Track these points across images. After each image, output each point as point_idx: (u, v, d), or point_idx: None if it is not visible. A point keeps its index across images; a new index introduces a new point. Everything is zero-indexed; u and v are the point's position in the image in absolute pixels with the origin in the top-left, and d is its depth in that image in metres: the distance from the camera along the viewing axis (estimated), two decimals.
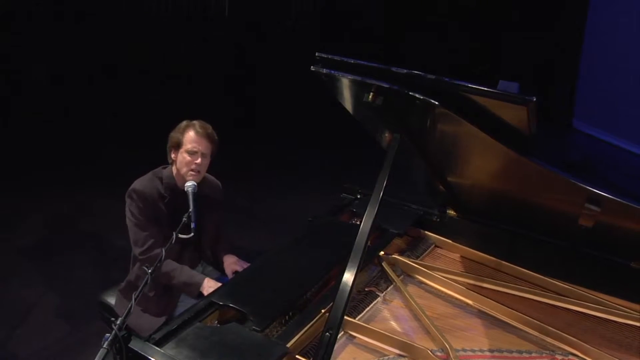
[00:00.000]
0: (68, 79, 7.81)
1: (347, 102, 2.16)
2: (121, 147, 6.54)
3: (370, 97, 1.84)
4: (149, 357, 1.78)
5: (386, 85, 1.79)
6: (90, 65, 7.99)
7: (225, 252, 2.92)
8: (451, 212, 2.72)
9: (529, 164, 1.85)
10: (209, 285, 2.61)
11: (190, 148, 2.61)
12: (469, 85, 1.61)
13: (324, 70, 1.90)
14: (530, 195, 2.19)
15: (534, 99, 1.49)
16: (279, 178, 6.15)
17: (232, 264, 2.82)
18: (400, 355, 1.97)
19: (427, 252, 2.64)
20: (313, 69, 1.91)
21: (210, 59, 8.83)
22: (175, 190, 2.71)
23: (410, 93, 1.74)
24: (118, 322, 1.74)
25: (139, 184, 2.69)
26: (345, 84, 1.99)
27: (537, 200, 2.20)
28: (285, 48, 8.74)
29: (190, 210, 2.27)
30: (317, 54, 1.92)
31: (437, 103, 1.74)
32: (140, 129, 6.74)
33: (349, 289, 1.80)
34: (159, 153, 2.85)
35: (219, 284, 2.63)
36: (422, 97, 1.74)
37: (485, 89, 1.60)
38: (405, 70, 1.74)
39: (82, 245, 4.66)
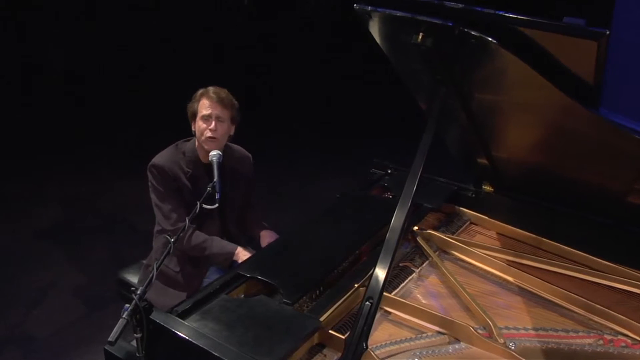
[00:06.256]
0: (85, 60, 7.80)
1: (391, 48, 1.98)
2: (140, 127, 6.49)
3: (419, 37, 1.67)
4: (172, 329, 1.66)
5: (439, 22, 1.61)
6: (107, 45, 7.98)
7: (259, 227, 2.82)
8: (487, 188, 2.58)
9: (593, 119, 1.64)
10: (244, 254, 2.52)
11: (204, 114, 2.51)
12: (533, 19, 1.43)
13: (369, 8, 1.72)
14: (580, 163, 2.01)
15: (607, 32, 1.31)
16: (304, 159, 6.04)
17: (269, 239, 2.71)
18: (439, 333, 1.85)
19: (462, 228, 2.50)
20: (356, 7, 1.73)
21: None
22: (197, 163, 2.60)
23: (466, 30, 1.57)
24: (139, 291, 1.63)
25: (159, 158, 2.60)
26: (392, 23, 1.80)
27: (586, 169, 2.03)
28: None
29: (214, 180, 2.15)
30: None
31: (495, 41, 1.56)
32: (159, 110, 6.66)
33: (393, 250, 1.67)
34: (177, 133, 2.74)
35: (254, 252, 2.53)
36: (478, 35, 1.57)
37: (551, 22, 1.42)
38: (461, 5, 1.57)
39: (101, 226, 4.60)
